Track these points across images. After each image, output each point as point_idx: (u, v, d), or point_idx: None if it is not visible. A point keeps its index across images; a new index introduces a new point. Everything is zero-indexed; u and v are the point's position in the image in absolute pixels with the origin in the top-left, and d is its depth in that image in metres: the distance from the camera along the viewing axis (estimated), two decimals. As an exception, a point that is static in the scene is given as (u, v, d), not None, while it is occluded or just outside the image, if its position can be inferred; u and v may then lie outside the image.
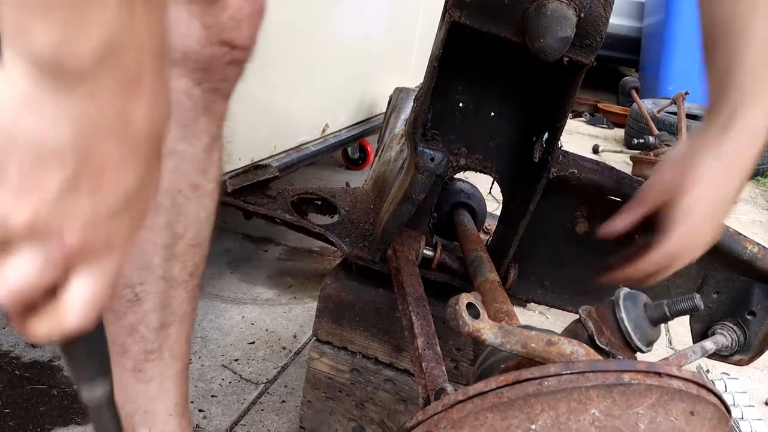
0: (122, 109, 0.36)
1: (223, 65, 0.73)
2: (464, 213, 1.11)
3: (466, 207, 1.13)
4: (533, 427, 0.46)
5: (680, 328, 1.83)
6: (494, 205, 1.22)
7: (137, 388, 0.80)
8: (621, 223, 0.87)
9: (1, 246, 0.38)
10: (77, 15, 0.32)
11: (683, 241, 0.83)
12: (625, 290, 0.61)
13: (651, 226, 0.85)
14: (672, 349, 1.77)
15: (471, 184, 1.16)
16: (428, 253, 1.06)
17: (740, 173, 0.81)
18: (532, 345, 0.54)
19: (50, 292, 0.40)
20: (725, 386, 1.51)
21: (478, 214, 1.14)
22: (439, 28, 0.90)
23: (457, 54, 0.92)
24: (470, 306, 0.54)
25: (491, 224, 1.21)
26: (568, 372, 0.47)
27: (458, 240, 1.05)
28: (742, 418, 1.41)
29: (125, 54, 0.35)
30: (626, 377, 0.47)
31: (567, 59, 0.82)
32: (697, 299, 0.60)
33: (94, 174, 0.37)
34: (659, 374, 0.48)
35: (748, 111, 0.80)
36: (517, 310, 1.03)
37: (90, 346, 0.47)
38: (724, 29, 0.82)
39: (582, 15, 0.80)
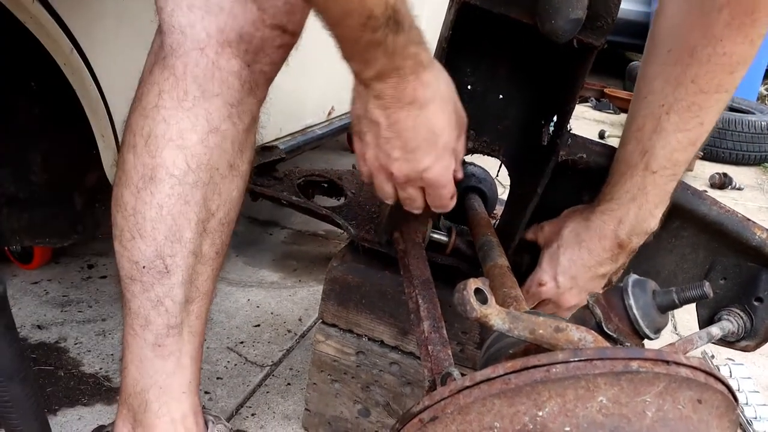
0: None
1: (274, 49, 0.76)
2: (475, 197, 1.11)
3: (477, 191, 1.12)
4: (540, 413, 0.46)
5: (685, 315, 1.82)
6: (500, 190, 1.21)
7: (155, 362, 0.82)
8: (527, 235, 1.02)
9: None
10: None
11: (539, 278, 0.97)
12: (634, 277, 0.61)
13: None
14: (677, 334, 1.77)
15: (483, 169, 1.15)
16: (436, 236, 1.05)
17: (598, 251, 0.92)
18: (540, 331, 0.53)
19: None
20: (730, 372, 1.51)
21: (489, 198, 1.13)
22: (449, 9, 0.89)
23: (465, 35, 0.91)
24: (478, 291, 0.54)
25: (498, 210, 1.20)
26: (576, 359, 0.47)
27: (468, 224, 1.04)
28: (747, 404, 1.41)
29: None
30: (634, 365, 0.47)
31: (577, 41, 0.81)
32: (707, 287, 0.59)
33: None
34: (667, 362, 0.48)
35: (608, 213, 0.90)
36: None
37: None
38: (649, 109, 0.87)
39: (593, -4, 0.79)
